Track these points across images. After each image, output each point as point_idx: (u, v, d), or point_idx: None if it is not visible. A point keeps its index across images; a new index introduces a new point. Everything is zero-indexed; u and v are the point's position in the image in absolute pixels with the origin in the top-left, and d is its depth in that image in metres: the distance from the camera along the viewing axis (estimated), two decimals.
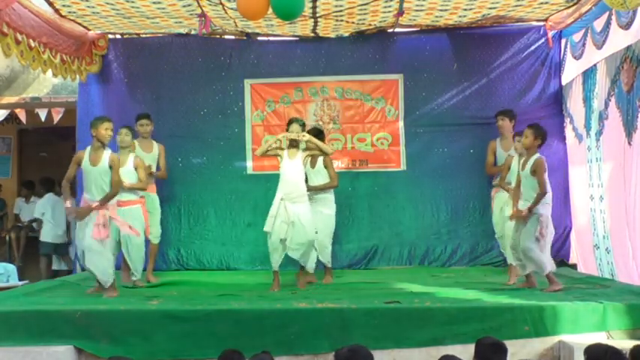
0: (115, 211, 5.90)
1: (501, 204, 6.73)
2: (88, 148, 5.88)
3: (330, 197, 6.82)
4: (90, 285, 6.19)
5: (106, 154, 5.83)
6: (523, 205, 5.84)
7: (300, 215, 6.20)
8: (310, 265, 6.38)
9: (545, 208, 5.82)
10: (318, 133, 6.86)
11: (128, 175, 6.53)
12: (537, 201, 5.76)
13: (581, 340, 4.60)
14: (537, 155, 5.86)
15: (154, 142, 7.26)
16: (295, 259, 6.34)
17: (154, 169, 7.11)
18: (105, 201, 5.76)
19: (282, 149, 6.42)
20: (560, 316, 4.92)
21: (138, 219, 6.59)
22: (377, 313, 4.98)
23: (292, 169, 6.34)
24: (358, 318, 4.95)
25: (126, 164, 6.55)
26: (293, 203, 6.23)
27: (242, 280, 7.06)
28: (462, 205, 8.00)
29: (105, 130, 5.80)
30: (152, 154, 7.11)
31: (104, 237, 5.77)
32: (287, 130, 6.47)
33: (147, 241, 6.91)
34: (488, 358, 3.67)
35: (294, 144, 6.40)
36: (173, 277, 7.31)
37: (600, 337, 4.76)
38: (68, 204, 5.79)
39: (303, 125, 6.53)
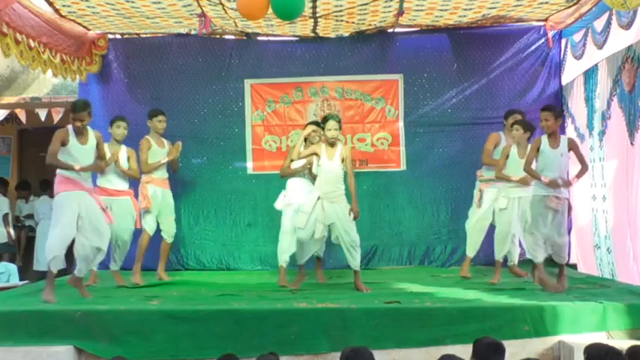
0: (99, 198, 5.88)
1: (492, 200, 6.69)
2: (70, 129, 5.70)
3: None
4: (89, 285, 6.17)
5: (91, 133, 5.77)
6: (539, 189, 5.75)
7: (341, 216, 6.15)
8: (356, 264, 6.25)
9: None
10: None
11: (123, 165, 6.75)
12: (582, 175, 5.81)
13: (581, 340, 4.59)
14: (567, 136, 5.84)
15: (163, 139, 7.25)
16: (349, 262, 6.26)
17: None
18: (95, 167, 5.81)
19: (316, 154, 6.32)
20: (560, 316, 4.92)
21: (128, 210, 6.68)
22: (377, 313, 4.98)
23: (331, 169, 6.24)
24: (358, 318, 4.95)
25: (119, 155, 6.69)
26: (332, 203, 6.18)
27: (242, 280, 7.06)
28: (462, 205, 7.96)
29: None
30: (165, 149, 7.14)
31: (111, 221, 5.84)
32: (323, 128, 6.35)
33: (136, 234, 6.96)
34: (487, 358, 3.66)
35: (331, 142, 6.27)
36: (173, 277, 7.30)
37: (600, 337, 4.76)
38: (77, 167, 5.59)
39: (339, 122, 6.37)
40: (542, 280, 5.88)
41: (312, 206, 6.17)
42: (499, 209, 6.51)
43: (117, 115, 7.14)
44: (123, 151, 6.82)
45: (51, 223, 5.67)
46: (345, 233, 6.14)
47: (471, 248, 6.92)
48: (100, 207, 5.71)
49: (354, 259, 6.18)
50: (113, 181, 6.67)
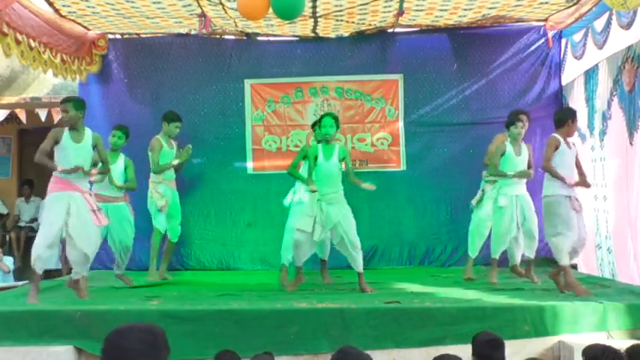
0: (93, 198, 5.74)
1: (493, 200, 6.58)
2: (66, 128, 5.55)
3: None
4: (89, 285, 6.16)
5: (88, 132, 5.62)
6: (561, 189, 5.67)
7: (341, 218, 5.97)
8: (358, 265, 6.09)
9: None
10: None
11: (117, 175, 6.69)
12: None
13: (581, 340, 4.59)
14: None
15: (172, 140, 7.28)
16: (352, 264, 6.14)
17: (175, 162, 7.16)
18: (75, 170, 5.46)
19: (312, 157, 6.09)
20: (560, 316, 4.92)
21: (125, 216, 6.66)
22: (377, 313, 4.97)
23: (329, 169, 6.05)
24: (358, 318, 4.94)
25: (115, 164, 6.65)
26: (330, 204, 5.99)
27: (242, 280, 7.06)
28: (462, 205, 7.95)
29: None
30: (173, 149, 7.21)
31: (105, 222, 5.74)
32: (319, 126, 6.16)
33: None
34: (487, 355, 3.63)
35: (327, 138, 6.05)
36: (173, 277, 7.31)
37: (600, 337, 4.75)
38: (59, 168, 5.42)
39: (336, 119, 6.15)
40: (570, 284, 5.60)
41: (313, 209, 5.99)
42: (498, 207, 6.44)
43: (118, 122, 7.18)
44: (120, 161, 6.76)
45: (39, 223, 5.62)
46: (346, 236, 5.98)
47: (473, 249, 6.85)
48: (92, 208, 5.56)
49: (356, 261, 6.04)
50: (108, 188, 6.59)
